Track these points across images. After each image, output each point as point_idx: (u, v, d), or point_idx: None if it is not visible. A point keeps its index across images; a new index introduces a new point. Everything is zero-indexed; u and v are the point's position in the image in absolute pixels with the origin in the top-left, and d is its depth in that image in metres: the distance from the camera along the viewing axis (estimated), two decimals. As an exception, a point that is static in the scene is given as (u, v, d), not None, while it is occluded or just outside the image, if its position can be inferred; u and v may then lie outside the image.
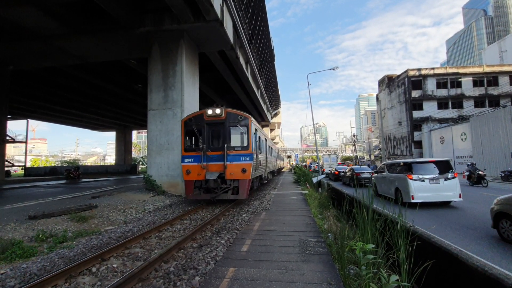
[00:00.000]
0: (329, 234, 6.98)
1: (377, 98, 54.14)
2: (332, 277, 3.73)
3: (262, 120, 46.00)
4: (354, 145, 66.65)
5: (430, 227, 5.67)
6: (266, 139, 15.20)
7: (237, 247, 5.14)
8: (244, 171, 9.39)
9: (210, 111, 9.83)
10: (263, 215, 8.28)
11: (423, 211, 9.37)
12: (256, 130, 11.00)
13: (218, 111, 9.76)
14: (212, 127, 10.03)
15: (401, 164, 11.43)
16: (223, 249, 5.12)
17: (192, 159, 9.77)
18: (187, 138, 10.35)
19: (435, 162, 10.61)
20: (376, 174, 14.11)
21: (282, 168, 49.18)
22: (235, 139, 10.00)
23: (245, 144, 9.76)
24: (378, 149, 65.44)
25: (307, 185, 16.95)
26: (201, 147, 9.69)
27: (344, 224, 7.84)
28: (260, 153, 12.00)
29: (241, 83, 24.72)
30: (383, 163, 14.88)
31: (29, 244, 5.64)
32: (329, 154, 43.54)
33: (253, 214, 8.43)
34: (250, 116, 10.13)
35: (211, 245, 5.36)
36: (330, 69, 22.38)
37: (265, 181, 16.43)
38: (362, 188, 5.67)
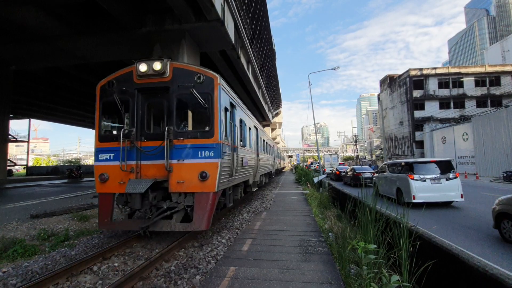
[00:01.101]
0: (329, 233, 6.98)
1: (379, 98, 54.06)
2: (333, 277, 3.73)
3: (264, 119, 45.99)
4: (356, 145, 66.56)
5: (431, 227, 5.65)
6: (258, 129, 11.76)
7: (238, 246, 5.14)
8: (203, 177, 5.26)
9: (143, 66, 5.66)
10: (264, 214, 8.28)
11: (424, 211, 9.34)
12: (233, 105, 7.00)
13: (158, 65, 5.58)
14: (148, 97, 5.92)
15: (403, 164, 11.40)
16: (224, 248, 5.13)
17: (112, 154, 5.66)
18: (106, 117, 6.19)
19: (437, 162, 10.58)
20: (377, 174, 14.08)
21: (283, 168, 49.17)
22: (189, 118, 6.18)
23: (208, 127, 5.56)
24: (380, 149, 65.32)
25: (308, 185, 16.93)
26: (126, 132, 5.62)
27: (345, 224, 7.84)
28: (243, 145, 8.22)
29: (242, 83, 24.73)
30: (384, 163, 14.86)
31: (31, 242, 5.67)
32: (330, 154, 43.49)
33: (254, 214, 8.43)
34: (216, 75, 5.78)
35: (212, 244, 5.37)
36: (332, 69, 22.36)
37: (255, 188, 11.27)
38: (363, 188, 5.65)
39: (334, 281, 3.59)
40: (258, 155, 11.34)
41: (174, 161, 5.40)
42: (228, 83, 7.22)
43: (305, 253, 4.68)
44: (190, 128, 6.02)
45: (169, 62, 5.70)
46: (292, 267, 4.05)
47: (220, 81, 5.78)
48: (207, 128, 5.59)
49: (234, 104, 7.14)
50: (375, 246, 3.76)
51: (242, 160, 7.71)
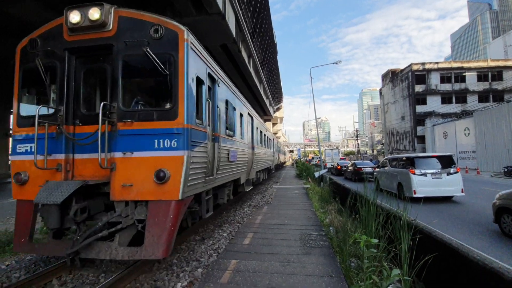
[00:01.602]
0: (330, 227, 7.02)
1: (380, 93, 53.79)
2: (333, 270, 3.76)
3: (265, 114, 45.87)
4: (357, 139, 66.50)
5: (431, 222, 5.68)
6: (253, 118, 10.05)
7: (239, 240, 5.18)
8: (161, 177, 3.60)
9: (75, 15, 3.92)
10: (265, 209, 8.32)
11: (425, 205, 9.36)
12: (213, 78, 5.25)
13: (96, 13, 3.88)
14: (84, 61, 4.22)
15: (404, 158, 11.41)
16: (225, 242, 5.17)
17: (32, 145, 3.92)
18: (27, 91, 4.49)
19: (438, 157, 10.57)
20: (378, 169, 14.10)
21: (284, 162, 49.23)
22: (144, 91, 4.84)
23: (169, 104, 3.93)
24: (381, 144, 65.27)
25: (309, 180, 16.97)
26: (52, 112, 4.02)
27: (345, 218, 7.88)
28: (231, 135, 6.52)
29: (243, 77, 24.61)
30: (385, 157, 14.86)
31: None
32: (331, 149, 43.47)
33: (255, 208, 8.48)
34: (182, 28, 3.97)
35: (214, 238, 5.41)
36: (333, 63, 22.20)
37: (249, 188, 9.24)
38: (364, 183, 5.66)
39: (334, 274, 3.62)
40: (253, 148, 9.64)
41: (118, 154, 3.66)
42: (228, 76, 6.77)
43: (306, 246, 4.72)
44: (143, 106, 4.20)
45: (113, 8, 3.89)
46: (293, 260, 4.09)
47: (188, 36, 3.87)
48: (167, 106, 3.85)
49: (216, 77, 5.32)
50: (377, 240, 3.78)
51: (228, 154, 6.07)
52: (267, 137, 16.01)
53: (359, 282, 3.84)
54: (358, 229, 5.41)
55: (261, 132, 12.17)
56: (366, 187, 5.60)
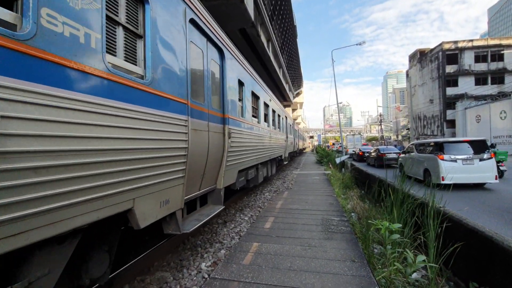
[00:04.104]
0: (352, 213, 6.94)
1: (407, 75, 51.06)
2: (356, 255, 3.72)
3: (284, 100, 45.28)
4: (380, 125, 64.20)
5: (462, 209, 5.42)
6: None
7: (260, 224, 5.25)
8: None
9: None
10: (286, 194, 8.34)
11: (454, 192, 8.96)
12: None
13: None
14: None
15: (432, 144, 10.88)
16: (246, 225, 5.27)
17: None
18: None
19: (470, 142, 9.97)
20: (403, 155, 13.59)
21: (304, 148, 48.82)
22: None
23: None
24: (406, 129, 62.66)
25: (330, 166, 16.74)
26: None
27: (368, 204, 7.75)
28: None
29: (262, 62, 24.24)
30: (411, 143, 14.27)
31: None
32: (353, 134, 42.30)
33: (275, 193, 8.52)
34: None
35: (235, 222, 5.52)
36: (357, 44, 21.23)
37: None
38: (388, 169, 5.48)
39: (357, 259, 3.58)
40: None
41: None
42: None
43: (327, 231, 4.69)
44: None
45: None
46: (314, 245, 4.09)
47: None
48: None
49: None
50: (400, 225, 3.67)
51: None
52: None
53: (381, 267, 3.79)
54: (383, 216, 5.30)
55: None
56: (394, 172, 5.42)
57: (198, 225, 3.50)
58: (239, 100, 5.80)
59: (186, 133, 3.20)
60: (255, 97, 7.52)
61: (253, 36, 17.90)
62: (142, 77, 2.59)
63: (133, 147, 2.35)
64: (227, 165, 4.75)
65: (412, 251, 3.73)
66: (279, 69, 29.21)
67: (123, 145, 2.24)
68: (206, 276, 3.31)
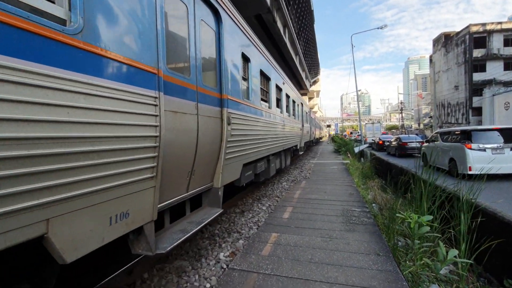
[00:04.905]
0: (373, 204, 6.70)
1: (431, 60, 48.51)
2: (380, 248, 3.54)
3: (301, 88, 44.44)
4: (401, 113, 61.92)
5: (496, 201, 5.06)
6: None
7: (279, 214, 5.15)
8: None
9: None
10: (303, 183, 8.18)
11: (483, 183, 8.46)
12: None
13: None
14: None
15: (458, 132, 10.29)
16: (264, 215, 5.18)
17: None
18: None
19: (500, 130, 9.33)
20: (427, 144, 13.00)
21: (321, 137, 48.08)
22: None
23: None
24: (429, 117, 60.14)
25: (349, 155, 16.34)
26: None
27: (390, 195, 7.46)
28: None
29: (278, 49, 23.69)
30: (436, 131, 13.61)
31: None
32: (372, 123, 40.96)
33: (293, 183, 8.38)
34: None
35: (253, 211, 5.45)
36: (378, 28, 20.27)
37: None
38: (410, 159, 5.18)
39: (382, 253, 3.41)
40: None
41: None
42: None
43: (348, 223, 4.52)
44: None
45: None
46: (335, 236, 3.94)
47: None
48: None
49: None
50: (430, 217, 3.45)
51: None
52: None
53: (407, 262, 3.60)
54: (407, 208, 5.05)
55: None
56: (419, 163, 5.13)
57: (180, 240, 2.64)
58: (244, 79, 4.86)
59: (155, 115, 2.32)
60: (265, 78, 6.57)
61: (269, 22, 17.42)
62: (64, 23, 1.71)
63: (39, 135, 1.47)
64: (226, 158, 3.87)
65: (444, 245, 3.50)
66: (295, 56, 28.52)
67: (14, 131, 1.37)
68: (225, 266, 3.26)
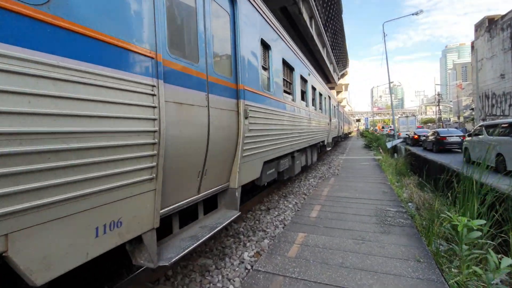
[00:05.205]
0: (409, 203, 6.22)
1: (472, 47, 44.55)
2: (421, 254, 3.20)
3: (328, 82, 43.12)
4: (438, 105, 57.89)
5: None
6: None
7: (306, 212, 4.91)
8: None
9: None
10: (332, 180, 7.82)
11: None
12: None
13: None
14: None
15: (506, 124, 9.26)
16: (291, 213, 4.98)
17: None
18: None
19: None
20: (469, 138, 11.91)
21: (350, 133, 46.49)
22: None
23: None
24: (470, 110, 55.62)
25: (380, 150, 15.52)
26: None
27: (429, 194, 6.89)
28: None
29: (304, 41, 23.05)
30: (480, 124, 12.42)
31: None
32: (406, 116, 38.59)
33: (320, 179, 8.05)
34: None
35: (279, 209, 5.27)
36: (412, 14, 18.92)
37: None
38: (449, 154, 4.67)
39: (423, 259, 3.06)
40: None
41: None
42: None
43: (383, 224, 4.17)
44: None
45: None
46: (369, 239, 3.64)
47: None
48: None
49: None
50: (483, 222, 3.03)
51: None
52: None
53: (452, 270, 3.22)
54: (450, 208, 4.57)
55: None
56: (458, 159, 4.61)
57: (187, 250, 2.34)
58: (264, 68, 4.49)
59: (153, 106, 2.01)
60: (289, 68, 6.14)
61: (294, 14, 16.95)
62: None
63: None
64: (244, 155, 3.54)
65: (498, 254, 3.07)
66: (322, 49, 27.65)
67: None
68: (249, 267, 3.12)
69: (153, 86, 2.03)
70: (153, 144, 2.03)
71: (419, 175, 10.41)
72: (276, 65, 4.96)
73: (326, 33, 26.70)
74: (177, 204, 2.56)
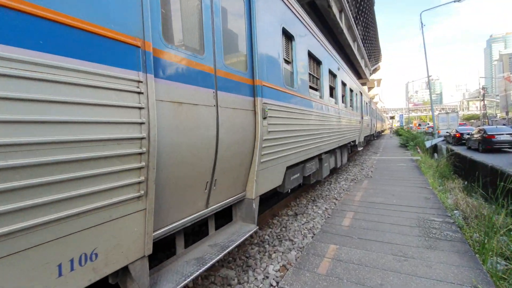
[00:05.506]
0: (455, 211, 5.54)
1: (525, 35, 40.18)
2: (477, 276, 2.70)
3: (359, 77, 41.31)
4: (483, 100, 53.10)
5: None
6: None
7: (337, 220, 4.51)
8: None
9: None
10: (365, 183, 7.27)
11: None
12: None
13: None
14: None
15: None
16: (320, 220, 4.60)
17: None
18: None
19: None
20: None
21: (383, 131, 44.27)
22: None
23: None
24: (521, 104, 50.39)
25: (418, 150, 14.39)
26: None
27: (479, 200, 6.14)
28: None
29: (333, 36, 22.15)
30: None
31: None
32: (447, 113, 35.68)
33: (353, 182, 7.52)
34: None
35: (307, 215, 4.91)
36: (453, 1, 17.29)
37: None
38: (498, 155, 4.00)
39: (480, 283, 2.57)
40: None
41: None
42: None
43: (428, 237, 3.67)
44: None
45: None
46: (412, 255, 3.18)
47: None
48: None
49: None
50: None
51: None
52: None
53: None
54: (510, 220, 3.94)
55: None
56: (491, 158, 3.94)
57: (191, 278, 2.02)
58: (286, 62, 4.02)
59: (139, 107, 1.65)
60: (315, 61, 5.56)
61: (323, 8, 16.31)
62: None
63: None
64: (263, 161, 3.13)
65: None
66: (353, 43, 26.48)
67: None
68: (274, 283, 2.83)
69: (139, 81, 1.67)
70: (140, 154, 1.67)
71: (465, 179, 9.42)
72: (300, 58, 4.46)
73: (357, 27, 25.50)
74: (178, 222, 2.20)
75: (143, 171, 1.70)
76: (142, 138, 1.67)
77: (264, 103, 3.08)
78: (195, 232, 3.98)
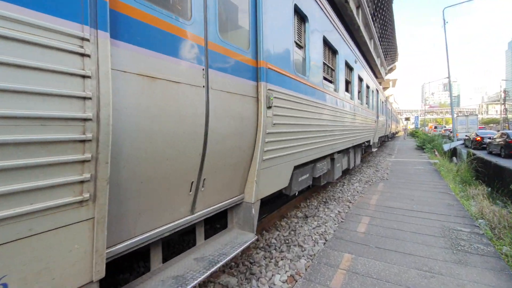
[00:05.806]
0: (480, 220, 5.06)
1: (553, 35, 38.12)
2: (521, 302, 2.28)
3: (375, 77, 40.28)
4: (504, 103, 50.92)
5: None
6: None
7: (352, 225, 4.13)
8: None
9: None
10: (381, 186, 6.82)
11: None
12: None
13: None
14: None
15: None
16: (333, 225, 4.22)
17: None
18: None
19: None
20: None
21: (397, 132, 43.10)
22: None
23: None
24: (545, 109, 48.11)
25: (436, 153, 13.72)
26: None
27: (507, 209, 5.63)
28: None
29: (350, 32, 21.45)
30: None
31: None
32: (466, 115, 34.29)
33: (367, 184, 7.08)
34: None
35: (319, 218, 4.54)
36: (480, -2, 16.36)
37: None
38: None
39: (526, 312, 2.16)
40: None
41: None
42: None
43: (456, 249, 3.25)
44: None
45: None
46: (439, 271, 2.78)
47: None
48: None
49: None
50: None
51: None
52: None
53: None
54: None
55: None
56: None
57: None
58: (298, 46, 3.49)
59: (83, 75, 1.21)
60: (331, 50, 4.96)
61: (340, 3, 15.76)
62: None
63: None
64: (265, 158, 2.68)
65: None
66: (369, 41, 25.70)
67: None
68: (281, 297, 2.50)
69: (84, 39, 1.20)
70: (83, 141, 1.22)
71: (488, 185, 8.81)
72: (314, 43, 3.93)
73: (373, 24, 24.70)
74: (152, 232, 1.75)
75: (89, 166, 1.25)
76: (86, 119, 1.21)
77: (269, 89, 2.61)
78: (184, 241, 3.61)
